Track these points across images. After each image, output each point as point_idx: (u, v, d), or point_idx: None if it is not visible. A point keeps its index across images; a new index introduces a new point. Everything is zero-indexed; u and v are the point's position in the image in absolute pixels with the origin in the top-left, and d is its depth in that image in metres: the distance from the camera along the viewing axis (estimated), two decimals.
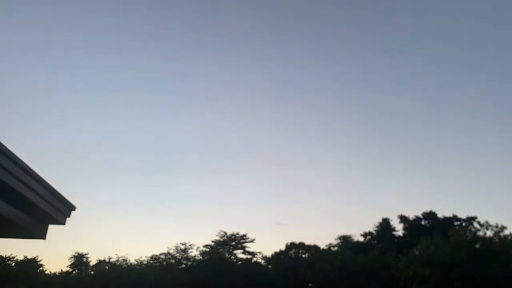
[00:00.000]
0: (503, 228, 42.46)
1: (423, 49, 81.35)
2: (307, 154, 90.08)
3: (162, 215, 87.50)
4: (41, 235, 6.82)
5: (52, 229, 6.96)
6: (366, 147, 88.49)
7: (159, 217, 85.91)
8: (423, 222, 59.63)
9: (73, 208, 6.72)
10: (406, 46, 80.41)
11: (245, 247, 57.84)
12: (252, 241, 58.11)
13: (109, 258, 56.61)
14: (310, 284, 52.24)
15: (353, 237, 60.18)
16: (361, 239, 60.00)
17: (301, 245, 67.63)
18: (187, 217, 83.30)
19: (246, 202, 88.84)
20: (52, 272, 58.18)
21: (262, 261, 59.84)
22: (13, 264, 53.20)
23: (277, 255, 63.69)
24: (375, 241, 57.27)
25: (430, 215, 59.67)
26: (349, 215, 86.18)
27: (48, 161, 69.94)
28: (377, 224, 60.53)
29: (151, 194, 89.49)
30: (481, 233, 43.01)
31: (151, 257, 55.89)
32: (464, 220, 56.17)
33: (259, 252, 59.08)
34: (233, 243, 57.65)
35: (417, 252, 42.70)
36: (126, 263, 54.81)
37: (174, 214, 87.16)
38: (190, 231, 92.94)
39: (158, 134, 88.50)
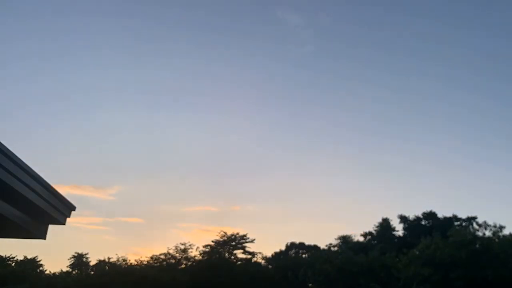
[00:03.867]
0: (501, 227, 42.63)
1: (421, 47, 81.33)
2: (306, 153, 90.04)
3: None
4: (41, 235, 6.83)
5: (52, 229, 6.98)
6: (366, 146, 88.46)
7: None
8: (423, 222, 59.68)
9: (73, 208, 6.73)
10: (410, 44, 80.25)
11: (245, 247, 57.88)
12: (252, 241, 58.17)
13: (109, 258, 56.65)
14: (310, 284, 52.23)
15: (353, 237, 60.26)
16: (361, 239, 60.08)
17: (301, 245, 67.71)
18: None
19: (249, 202, 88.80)
20: (52, 272, 58.28)
21: (262, 261, 59.90)
22: (13, 264, 53.22)
23: (277, 255, 63.75)
24: (375, 241, 57.28)
25: (430, 215, 59.73)
26: (349, 215, 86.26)
27: (48, 159, 69.94)
28: (377, 224, 60.58)
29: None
30: (480, 233, 43.17)
31: (151, 257, 55.91)
32: (464, 220, 56.23)
33: (259, 252, 59.16)
34: (233, 243, 57.67)
35: (417, 252, 42.77)
36: (126, 263, 54.84)
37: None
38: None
39: (156, 133, 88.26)
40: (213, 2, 75.40)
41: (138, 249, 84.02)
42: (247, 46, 79.26)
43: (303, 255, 64.58)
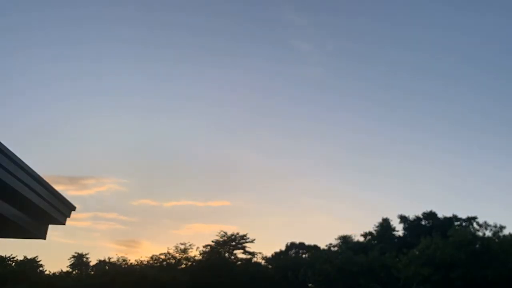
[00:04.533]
0: (502, 228, 42.65)
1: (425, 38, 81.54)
2: (306, 153, 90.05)
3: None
4: (41, 235, 6.83)
5: (52, 229, 6.98)
6: (366, 146, 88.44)
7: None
8: (423, 222, 59.65)
9: (73, 208, 6.74)
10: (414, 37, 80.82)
11: (245, 247, 57.87)
12: (252, 241, 58.16)
13: (109, 258, 56.65)
14: (310, 284, 52.26)
15: (353, 237, 60.21)
16: (361, 239, 60.03)
17: (301, 245, 67.71)
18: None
19: (248, 201, 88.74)
20: (52, 272, 58.23)
21: (262, 261, 59.88)
22: (13, 264, 53.20)
23: (277, 255, 63.74)
24: (375, 241, 57.25)
25: (430, 215, 59.70)
26: (349, 215, 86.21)
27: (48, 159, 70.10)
28: (377, 224, 60.56)
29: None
30: (480, 233, 43.18)
31: (151, 257, 55.89)
32: (464, 220, 56.21)
33: (259, 252, 59.14)
34: (233, 243, 57.67)
35: (417, 252, 42.79)
36: (126, 263, 54.82)
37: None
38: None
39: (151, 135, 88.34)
40: (233, 23, 77.85)
41: (120, 246, 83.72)
42: (255, 57, 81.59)
43: (303, 255, 64.57)
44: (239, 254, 57.78)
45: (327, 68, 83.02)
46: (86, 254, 64.08)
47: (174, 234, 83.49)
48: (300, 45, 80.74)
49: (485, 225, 43.47)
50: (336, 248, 57.55)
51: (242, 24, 78.68)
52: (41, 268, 57.28)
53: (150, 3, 77.83)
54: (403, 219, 60.21)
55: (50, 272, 57.83)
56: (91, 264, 62.45)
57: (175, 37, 79.68)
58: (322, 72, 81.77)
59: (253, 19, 78.69)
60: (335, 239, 60.24)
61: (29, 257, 55.48)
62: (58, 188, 6.10)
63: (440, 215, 59.16)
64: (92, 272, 58.35)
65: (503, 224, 43.05)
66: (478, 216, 53.58)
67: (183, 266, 54.75)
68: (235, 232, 57.93)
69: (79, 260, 63.45)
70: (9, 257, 52.94)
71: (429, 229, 53.82)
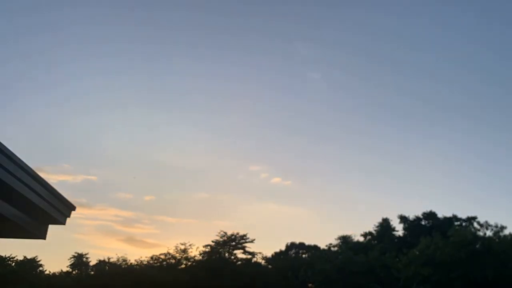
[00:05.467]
0: (502, 228, 42.62)
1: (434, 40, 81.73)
2: (307, 153, 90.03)
3: None
4: (41, 235, 6.82)
5: (52, 229, 6.97)
6: (366, 146, 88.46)
7: None
8: (423, 222, 59.65)
9: (73, 208, 6.73)
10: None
11: (245, 247, 57.84)
12: (252, 241, 58.13)
13: (109, 258, 56.65)
14: (310, 284, 52.25)
15: (353, 237, 60.20)
16: (361, 239, 60.03)
17: (301, 245, 67.70)
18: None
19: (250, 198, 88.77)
20: (52, 272, 58.20)
21: (262, 261, 59.85)
22: (13, 264, 53.17)
23: (277, 255, 63.72)
24: (375, 241, 57.25)
25: (430, 215, 59.70)
26: (349, 215, 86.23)
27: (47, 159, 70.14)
28: (377, 224, 60.58)
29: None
30: (481, 233, 43.14)
31: (151, 257, 55.86)
32: (464, 220, 56.21)
33: (259, 252, 59.10)
34: (233, 243, 57.63)
35: (417, 252, 42.77)
36: (126, 263, 54.80)
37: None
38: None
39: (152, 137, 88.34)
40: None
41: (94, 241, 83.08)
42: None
43: (303, 255, 64.55)
44: (239, 254, 57.81)
45: (329, 73, 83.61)
46: (86, 254, 64.13)
47: (152, 228, 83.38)
48: (308, 73, 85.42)
49: (486, 225, 43.48)
50: (336, 248, 57.52)
51: (255, 51, 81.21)
52: (41, 268, 57.28)
53: (154, 3, 77.92)
54: (403, 219, 60.21)
55: (50, 272, 57.89)
56: (91, 264, 62.47)
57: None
58: (323, 78, 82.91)
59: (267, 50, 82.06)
60: (335, 239, 60.28)
61: (29, 257, 55.49)
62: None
63: (440, 215, 59.24)
64: (92, 272, 58.34)
65: (504, 224, 43.10)
66: (478, 216, 53.70)
67: (183, 266, 54.72)
68: (235, 232, 58.00)
69: (79, 260, 63.42)
70: (9, 257, 52.92)
71: (429, 229, 53.79)
